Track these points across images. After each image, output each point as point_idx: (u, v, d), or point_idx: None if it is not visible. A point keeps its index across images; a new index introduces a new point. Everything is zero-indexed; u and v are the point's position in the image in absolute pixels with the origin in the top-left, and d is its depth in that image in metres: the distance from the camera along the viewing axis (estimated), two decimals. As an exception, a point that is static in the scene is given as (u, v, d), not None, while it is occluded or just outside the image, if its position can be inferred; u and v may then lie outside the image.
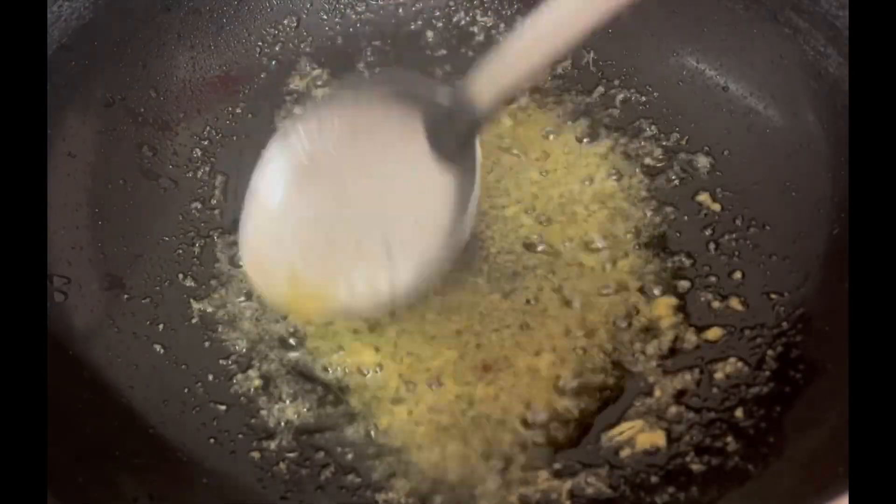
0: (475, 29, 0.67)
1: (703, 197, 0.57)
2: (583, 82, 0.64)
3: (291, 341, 0.53)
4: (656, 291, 0.53)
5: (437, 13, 0.68)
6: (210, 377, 0.52)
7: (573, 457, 0.47)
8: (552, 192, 0.58)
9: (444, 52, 0.67)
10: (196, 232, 0.58)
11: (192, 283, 0.56)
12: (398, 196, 0.44)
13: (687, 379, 0.50)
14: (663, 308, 0.53)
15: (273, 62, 0.66)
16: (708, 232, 0.56)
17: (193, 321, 0.54)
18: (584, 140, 0.61)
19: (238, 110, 0.64)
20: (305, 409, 0.50)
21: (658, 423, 0.48)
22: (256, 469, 0.48)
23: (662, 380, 0.50)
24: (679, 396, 0.49)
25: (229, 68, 0.65)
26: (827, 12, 0.55)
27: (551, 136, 0.61)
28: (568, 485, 0.46)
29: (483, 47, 0.67)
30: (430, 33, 0.67)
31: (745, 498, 0.43)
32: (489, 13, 0.68)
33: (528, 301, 0.53)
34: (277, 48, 0.66)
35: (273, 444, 0.49)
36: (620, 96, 0.63)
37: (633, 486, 0.46)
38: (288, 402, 0.50)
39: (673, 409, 0.48)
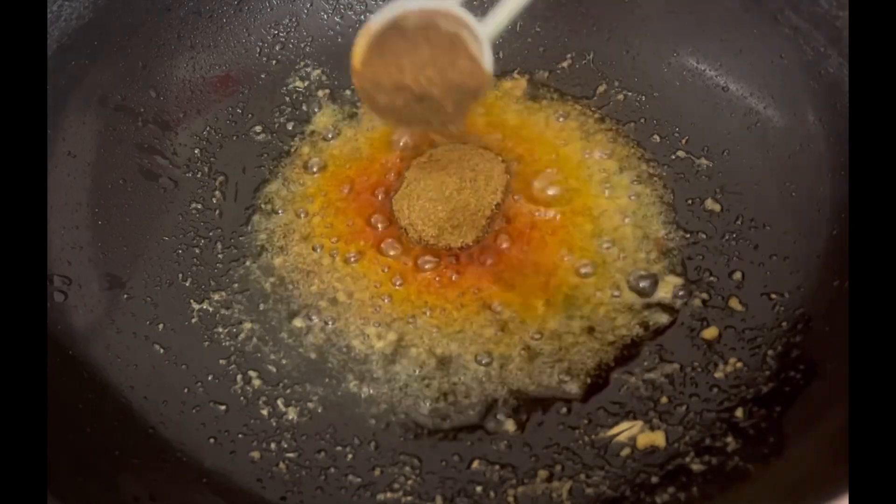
0: (475, 29, 0.67)
1: (703, 197, 0.57)
2: (583, 82, 0.64)
3: (291, 340, 0.53)
4: (656, 291, 0.53)
5: (437, 13, 0.68)
6: (210, 377, 0.52)
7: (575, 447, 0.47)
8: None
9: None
10: (196, 232, 0.58)
11: (192, 283, 0.56)
12: None
13: (687, 379, 0.50)
14: (663, 307, 0.53)
15: (273, 62, 0.66)
16: (708, 232, 0.56)
17: (193, 321, 0.54)
18: (583, 139, 0.61)
19: (238, 110, 0.64)
20: (306, 410, 0.50)
21: (658, 423, 0.48)
22: (256, 469, 0.48)
23: (662, 379, 0.50)
24: (679, 396, 0.49)
25: (229, 68, 0.65)
26: (827, 12, 0.55)
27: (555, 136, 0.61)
28: (568, 485, 0.46)
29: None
30: (430, 33, 0.67)
31: (745, 498, 0.43)
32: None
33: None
34: (277, 48, 0.66)
35: (273, 444, 0.49)
36: (620, 96, 0.63)
37: (633, 486, 0.46)
38: (288, 402, 0.51)
39: (673, 409, 0.48)
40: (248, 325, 0.54)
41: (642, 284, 0.54)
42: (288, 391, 0.51)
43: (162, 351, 0.53)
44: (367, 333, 0.53)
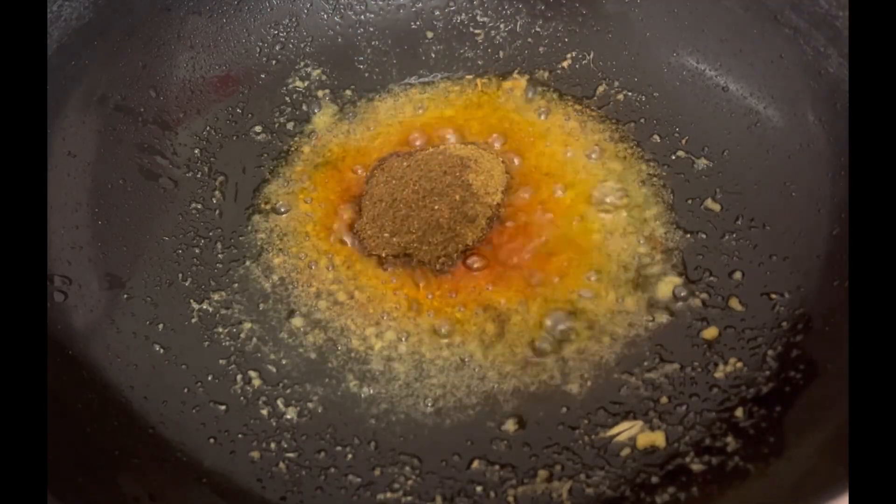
0: (475, 29, 0.67)
1: (703, 197, 0.57)
2: (583, 82, 0.64)
3: (291, 340, 0.53)
4: (655, 291, 0.53)
5: (437, 13, 0.68)
6: (210, 377, 0.52)
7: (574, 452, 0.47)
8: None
9: (443, 52, 0.67)
10: (196, 232, 0.58)
11: (192, 283, 0.56)
12: None
13: (687, 379, 0.50)
14: (663, 307, 0.53)
15: (273, 62, 0.66)
16: (708, 232, 0.56)
17: (193, 321, 0.54)
18: (583, 139, 0.61)
19: (238, 110, 0.64)
20: (306, 410, 0.50)
21: (658, 423, 0.48)
22: (256, 469, 0.48)
23: (662, 379, 0.50)
24: (679, 396, 0.49)
25: (229, 68, 0.65)
26: (827, 12, 0.55)
27: (550, 136, 0.61)
28: (568, 485, 0.46)
29: (483, 47, 0.67)
30: (429, 33, 0.67)
31: (745, 498, 0.43)
32: (489, 13, 0.68)
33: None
34: (277, 48, 0.67)
35: (273, 444, 0.49)
36: (620, 96, 0.63)
37: (633, 486, 0.46)
38: (288, 402, 0.51)
39: (673, 409, 0.48)
40: (248, 325, 0.54)
41: (642, 284, 0.54)
42: (288, 391, 0.51)
43: (162, 351, 0.53)
44: (367, 333, 0.53)
